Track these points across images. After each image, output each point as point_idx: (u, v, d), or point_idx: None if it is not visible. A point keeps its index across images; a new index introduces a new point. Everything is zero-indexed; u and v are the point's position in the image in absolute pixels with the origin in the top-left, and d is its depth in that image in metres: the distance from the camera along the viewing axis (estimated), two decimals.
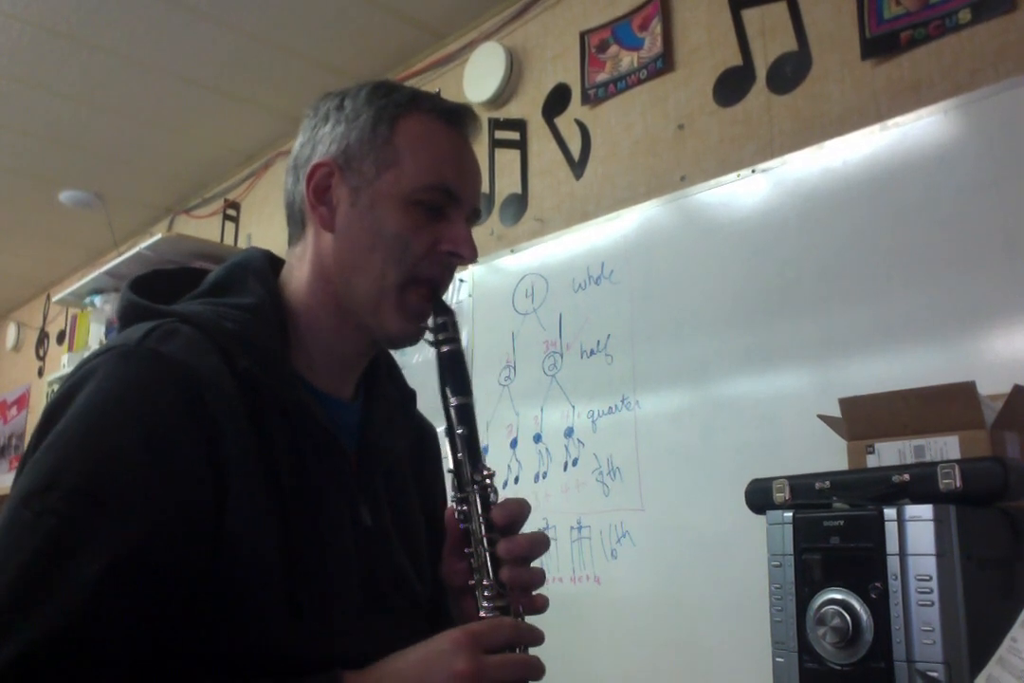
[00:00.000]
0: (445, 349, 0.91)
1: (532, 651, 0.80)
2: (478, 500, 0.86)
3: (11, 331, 5.42)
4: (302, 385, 0.89)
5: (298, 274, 0.95)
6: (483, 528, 0.85)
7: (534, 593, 0.86)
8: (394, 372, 1.07)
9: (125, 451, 0.75)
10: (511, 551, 0.84)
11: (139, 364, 0.80)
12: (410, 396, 1.07)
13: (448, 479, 0.92)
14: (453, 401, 0.90)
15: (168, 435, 0.77)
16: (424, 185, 0.90)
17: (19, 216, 4.23)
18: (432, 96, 0.96)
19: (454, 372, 0.91)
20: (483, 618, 0.81)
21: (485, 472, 0.87)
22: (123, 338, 0.83)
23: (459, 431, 0.89)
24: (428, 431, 1.10)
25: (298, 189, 0.94)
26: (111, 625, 0.71)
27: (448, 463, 0.91)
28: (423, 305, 0.92)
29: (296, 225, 0.97)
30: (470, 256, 0.93)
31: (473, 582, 0.84)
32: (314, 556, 0.83)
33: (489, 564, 0.83)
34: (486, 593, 0.82)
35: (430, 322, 0.92)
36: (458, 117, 0.95)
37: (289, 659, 0.79)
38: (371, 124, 0.92)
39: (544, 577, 0.87)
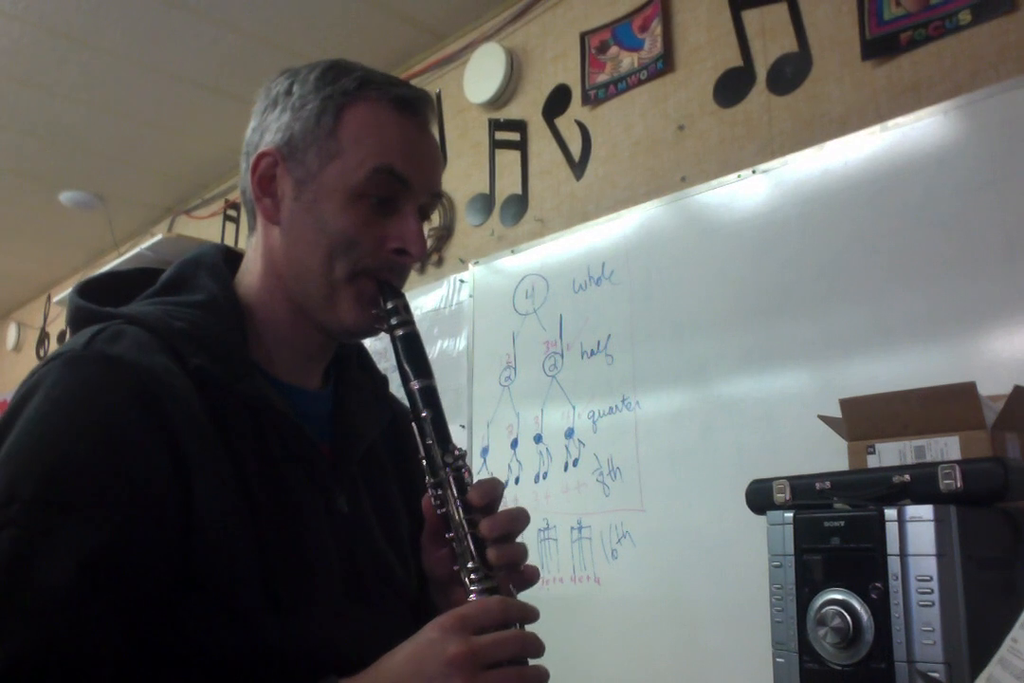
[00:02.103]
0: (400, 332, 0.88)
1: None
2: (452, 483, 0.83)
3: (11, 331, 5.42)
4: (263, 377, 0.87)
5: (252, 267, 0.93)
6: (461, 511, 0.83)
7: (522, 567, 0.84)
8: (364, 358, 1.05)
9: (82, 455, 0.74)
10: (493, 529, 0.82)
11: (87, 368, 0.78)
12: (381, 381, 1.05)
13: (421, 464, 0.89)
14: (415, 384, 0.86)
15: (124, 435, 0.75)
16: (367, 172, 0.86)
17: (19, 216, 4.23)
18: (382, 81, 0.91)
19: (412, 355, 0.88)
20: (470, 602, 0.79)
21: (456, 452, 0.85)
22: (69, 345, 0.82)
23: (424, 414, 0.85)
24: (403, 413, 1.05)
25: (247, 177, 0.92)
26: (89, 630, 0.69)
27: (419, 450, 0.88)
28: (373, 291, 0.89)
29: (250, 214, 0.95)
30: (417, 254, 0.89)
31: (458, 567, 0.82)
32: (289, 547, 0.82)
33: (472, 546, 0.81)
34: (472, 576, 0.80)
35: (381, 307, 0.89)
36: (408, 103, 0.90)
37: (271, 653, 0.78)
38: (316, 114, 0.88)
39: (527, 552, 0.85)
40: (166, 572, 0.75)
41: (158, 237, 2.94)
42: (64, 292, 3.59)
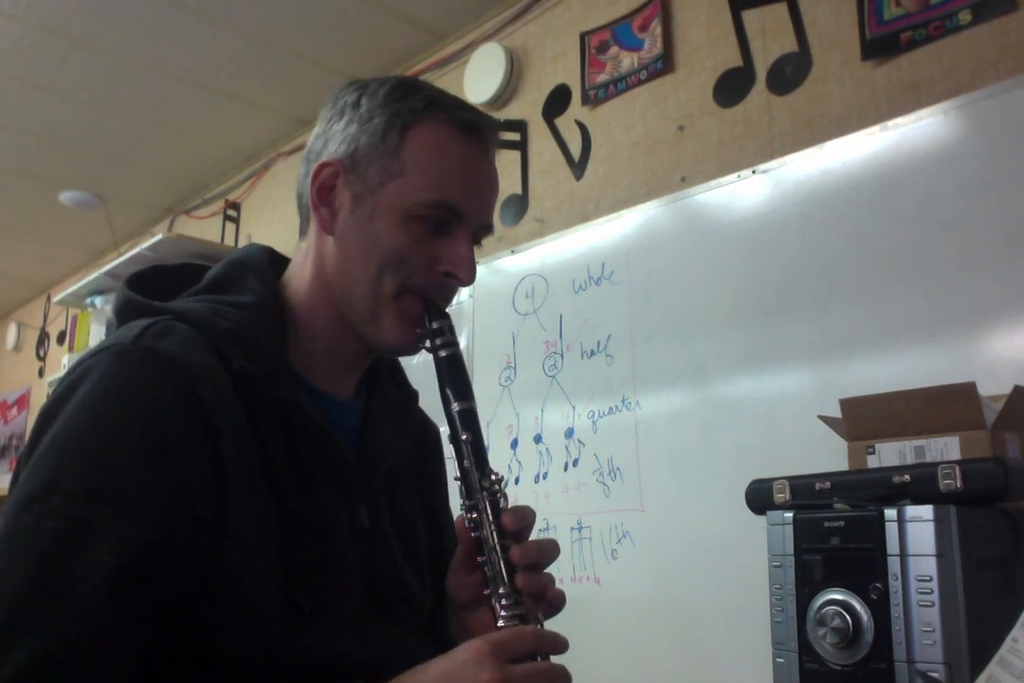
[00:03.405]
0: (443, 354, 0.89)
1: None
2: (488, 507, 0.84)
3: (11, 331, 5.42)
4: (300, 383, 0.88)
5: (300, 273, 0.94)
6: (495, 536, 0.83)
7: (549, 594, 0.85)
8: (396, 372, 1.06)
9: (125, 451, 0.74)
10: (525, 556, 0.82)
11: (135, 362, 0.78)
12: (412, 396, 1.06)
13: (455, 486, 0.89)
14: (455, 406, 0.87)
15: (168, 433, 0.76)
16: (426, 202, 0.88)
17: (19, 216, 4.24)
18: (451, 103, 0.92)
19: (454, 377, 0.89)
20: (501, 627, 0.79)
21: (493, 477, 0.85)
22: (118, 337, 0.82)
23: (464, 437, 0.86)
24: (431, 430, 1.09)
25: (306, 183, 0.93)
26: (122, 626, 0.70)
27: (453, 468, 0.89)
28: (420, 311, 0.90)
29: (304, 218, 0.96)
30: (467, 279, 0.90)
31: (488, 591, 0.82)
32: (312, 557, 0.82)
33: (504, 572, 0.81)
34: (503, 601, 0.80)
35: (427, 327, 0.90)
36: (475, 128, 0.91)
37: (291, 660, 0.78)
38: (382, 130, 0.89)
39: (554, 581, 0.86)
40: (196, 574, 0.75)
41: (158, 237, 2.93)
42: (64, 292, 3.59)
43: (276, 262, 0.98)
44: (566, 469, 2.19)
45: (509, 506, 0.85)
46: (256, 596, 0.78)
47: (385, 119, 0.89)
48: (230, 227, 3.80)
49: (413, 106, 0.89)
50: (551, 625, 0.82)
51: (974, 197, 1.60)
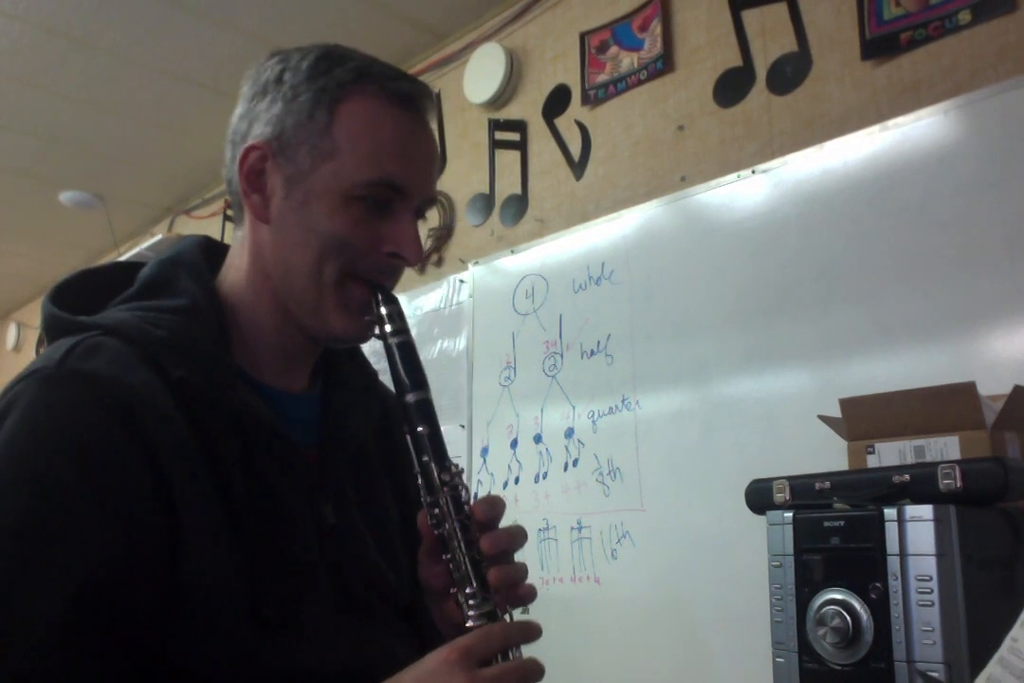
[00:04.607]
0: (395, 341, 0.83)
1: (533, 649, 0.77)
2: (450, 502, 0.80)
3: (11, 331, 5.42)
4: (247, 383, 0.84)
5: (238, 263, 0.90)
6: (459, 532, 0.79)
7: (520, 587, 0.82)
8: (355, 354, 1.01)
9: (61, 480, 0.71)
10: (495, 545, 0.79)
11: (61, 387, 0.74)
12: (372, 376, 1.01)
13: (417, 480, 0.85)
14: (411, 397, 0.82)
15: (103, 458, 0.72)
16: (364, 181, 0.82)
17: (19, 216, 4.23)
18: (380, 71, 0.85)
19: (408, 366, 0.83)
20: (470, 627, 0.77)
21: (453, 470, 0.81)
22: (43, 360, 0.78)
23: (420, 429, 0.81)
24: (391, 403, 0.96)
25: (233, 168, 0.87)
26: (80, 663, 0.68)
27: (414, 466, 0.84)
28: (365, 297, 0.85)
29: (236, 207, 0.91)
30: (413, 257, 0.85)
31: (455, 589, 0.79)
32: (274, 563, 0.79)
33: (470, 569, 0.79)
34: (470, 601, 0.78)
35: (375, 313, 0.85)
36: (408, 98, 0.85)
37: (263, 673, 0.76)
38: (309, 107, 0.83)
39: (527, 571, 0.83)
40: (153, 598, 0.73)
41: (158, 237, 2.94)
42: None
43: (214, 254, 0.93)
44: (566, 469, 2.19)
45: (471, 497, 0.82)
46: (219, 612, 0.75)
47: (311, 96, 0.83)
48: (230, 227, 3.80)
49: (340, 79, 0.84)
50: (545, 622, 0.80)
51: (974, 197, 1.60)
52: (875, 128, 1.76)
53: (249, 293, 0.88)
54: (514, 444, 2.34)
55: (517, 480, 2.30)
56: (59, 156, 3.63)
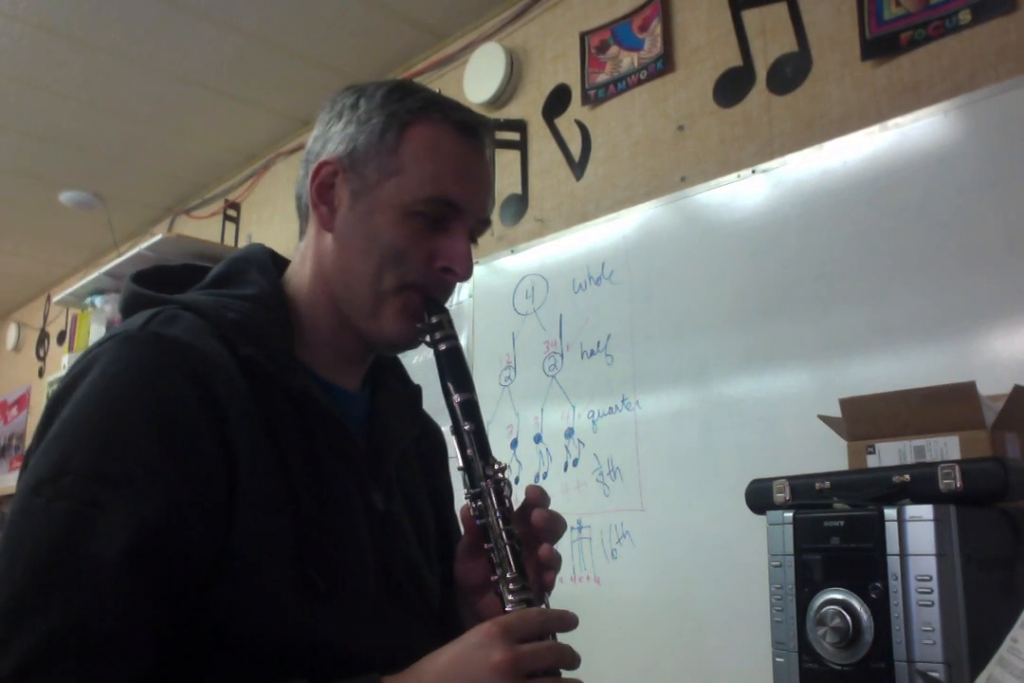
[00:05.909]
0: (443, 347, 0.91)
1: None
2: (492, 494, 0.86)
3: (11, 331, 5.42)
4: (306, 373, 0.89)
5: (301, 270, 0.96)
6: (501, 522, 0.85)
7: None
8: (399, 369, 1.08)
9: (135, 431, 0.75)
10: (544, 519, 0.87)
11: (142, 347, 0.80)
12: (416, 391, 1.08)
13: (459, 477, 0.92)
14: (457, 398, 0.90)
15: (176, 414, 0.77)
16: (424, 197, 0.90)
17: (19, 216, 4.23)
18: (447, 104, 0.94)
19: (454, 369, 0.91)
20: (510, 611, 0.81)
21: (496, 466, 0.88)
22: (125, 326, 0.83)
23: (466, 427, 0.88)
24: (433, 428, 1.11)
25: (305, 183, 0.94)
26: (137, 605, 0.71)
27: (458, 461, 0.90)
28: (419, 306, 0.92)
29: (303, 219, 0.98)
30: (464, 274, 0.92)
31: (496, 577, 0.84)
32: (327, 537, 0.83)
33: (511, 557, 0.83)
34: (511, 586, 0.82)
35: (425, 321, 0.92)
36: (470, 128, 0.93)
37: (304, 642, 0.79)
38: (380, 129, 0.91)
39: (561, 559, 0.90)
40: (208, 552, 0.76)
41: (158, 237, 2.93)
42: (64, 292, 3.59)
43: (276, 262, 0.99)
44: (566, 469, 2.20)
45: (512, 494, 0.88)
46: (269, 575, 0.78)
47: (383, 119, 0.91)
48: (230, 227, 3.80)
49: (410, 106, 0.91)
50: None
51: (974, 197, 1.60)
52: (875, 128, 1.76)
53: (310, 297, 0.94)
54: (514, 444, 2.34)
55: (517, 480, 2.30)
56: (59, 156, 3.63)
